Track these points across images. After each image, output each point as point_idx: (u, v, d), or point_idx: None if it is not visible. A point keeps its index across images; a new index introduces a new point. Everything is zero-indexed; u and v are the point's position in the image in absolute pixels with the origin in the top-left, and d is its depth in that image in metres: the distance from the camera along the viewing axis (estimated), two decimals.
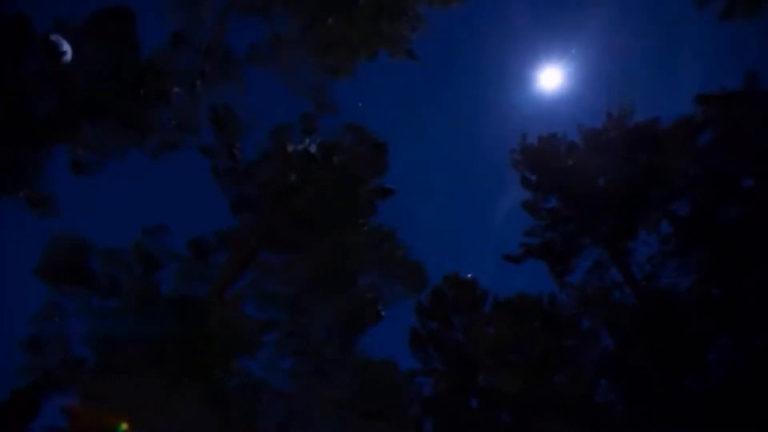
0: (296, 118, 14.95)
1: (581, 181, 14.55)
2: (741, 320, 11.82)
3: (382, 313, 14.97)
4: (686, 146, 13.32)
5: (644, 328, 12.58)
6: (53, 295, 12.24)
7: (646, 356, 12.41)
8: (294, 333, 14.08)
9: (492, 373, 14.92)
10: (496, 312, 15.60)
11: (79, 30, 11.33)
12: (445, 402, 15.24)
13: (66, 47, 11.02)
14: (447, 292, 16.41)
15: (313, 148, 14.79)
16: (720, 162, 12.68)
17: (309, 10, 13.43)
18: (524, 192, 15.70)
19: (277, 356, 14.03)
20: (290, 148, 14.81)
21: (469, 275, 16.42)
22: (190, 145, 13.98)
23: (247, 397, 12.91)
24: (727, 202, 12.39)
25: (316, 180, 14.86)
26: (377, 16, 13.49)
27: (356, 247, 14.93)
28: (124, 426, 10.20)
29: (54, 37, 10.82)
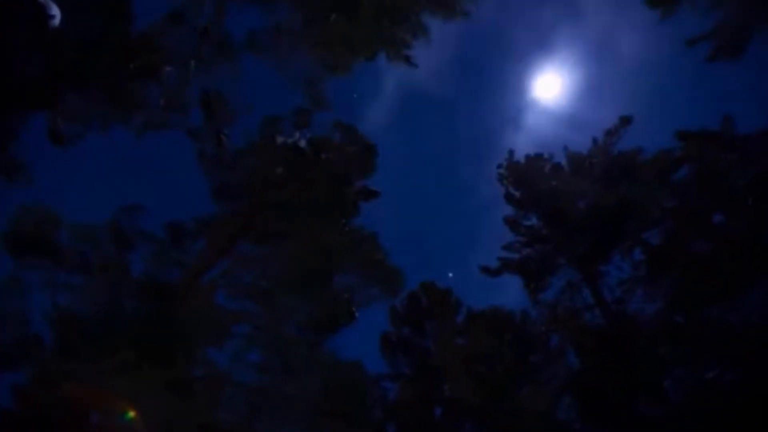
0: (288, 110, 14.83)
1: (562, 203, 14.94)
2: (698, 350, 12.34)
3: (356, 314, 14.97)
4: (664, 179, 13.86)
5: (608, 350, 12.98)
6: (15, 268, 11.72)
7: (607, 377, 12.80)
8: (265, 327, 13.91)
9: (458, 383, 15.09)
10: (469, 323, 15.81)
11: None
12: (409, 408, 15.31)
13: (55, 11, 10.59)
14: (422, 299, 16.53)
15: (302, 143, 14.68)
16: (694, 198, 13.24)
17: (312, 4, 13.35)
18: (507, 207, 16.03)
19: (246, 349, 13.82)
20: (280, 140, 14.67)
21: (450, 275, 16.63)
22: (176, 126, 13.67)
23: (210, 388, 12.66)
24: (698, 237, 12.95)
25: (302, 175, 14.75)
26: (379, 17, 13.52)
27: (336, 246, 14.88)
28: (131, 414, 9.87)
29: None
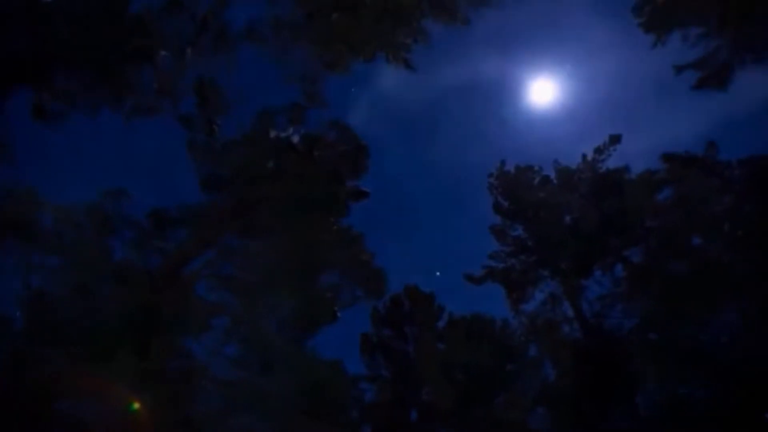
0: (283, 105, 14.70)
1: (549, 216, 15.21)
2: (671, 368, 12.71)
3: (338, 314, 14.93)
4: (647, 199, 14.27)
5: (584, 363, 13.26)
6: None
7: (581, 390, 13.07)
8: (245, 321, 13.74)
9: (436, 387, 15.19)
10: (449, 329, 15.94)
11: None
12: (385, 410, 15.33)
13: None
14: (404, 303, 16.58)
15: (295, 139, 14.59)
16: (675, 219, 13.67)
17: (315, 1, 13.30)
18: (495, 216, 16.24)
19: (224, 342, 13.64)
20: (273, 134, 14.54)
21: (437, 273, 16.74)
22: (168, 112, 13.42)
23: (184, 380, 12.43)
24: (676, 257, 13.36)
25: (293, 170, 14.64)
26: (381, 19, 13.55)
27: (322, 245, 14.82)
28: (136, 405, 9.62)
29: None
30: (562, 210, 15.36)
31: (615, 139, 15.37)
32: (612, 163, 15.16)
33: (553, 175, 16.00)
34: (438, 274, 16.81)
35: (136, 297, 11.74)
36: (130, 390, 10.56)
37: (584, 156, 15.37)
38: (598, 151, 15.26)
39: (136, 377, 10.75)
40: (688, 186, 14.08)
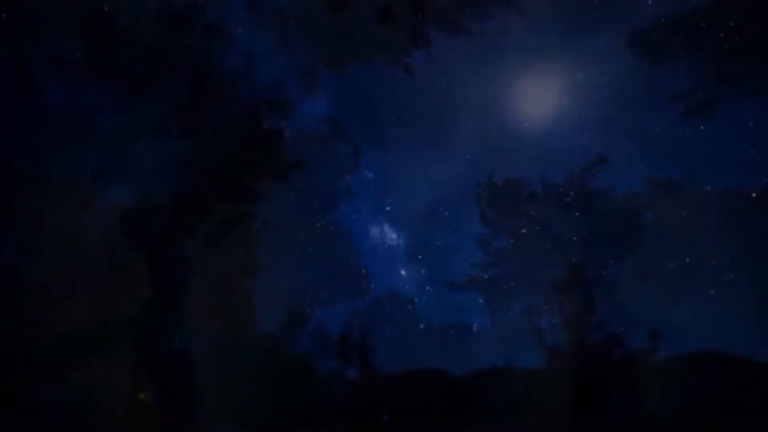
0: (278, 97, 14.56)
1: (533, 229, 15.49)
2: (641, 384, 13.12)
3: (316, 311, 14.89)
4: (629, 220, 14.70)
5: (559, 376, 13.55)
6: None
7: (554, 402, 13.35)
8: (221, 313, 13.58)
9: (410, 393, 15.24)
10: (427, 335, 16.02)
11: None
12: (357, 412, 15.30)
13: None
14: (385, 306, 16.59)
15: (287, 133, 14.51)
16: (653, 242, 14.12)
17: None
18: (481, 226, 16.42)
19: (198, 334, 13.42)
20: (264, 126, 14.42)
21: (424, 271, 16.83)
22: (157, 93, 13.13)
23: (156, 370, 12.18)
24: (651, 279, 13.80)
25: (282, 165, 14.56)
26: (385, 21, 13.66)
27: (307, 240, 14.77)
28: (142, 396, 9.35)
29: None
30: (546, 224, 15.65)
31: (601, 159, 15.76)
32: (600, 181, 15.51)
33: (540, 189, 16.28)
34: (423, 272, 16.88)
35: (113, 283, 11.49)
36: (103, 377, 10.35)
37: (572, 173, 15.72)
38: (584, 169, 15.62)
39: (109, 365, 10.54)
40: (668, 211, 14.56)
